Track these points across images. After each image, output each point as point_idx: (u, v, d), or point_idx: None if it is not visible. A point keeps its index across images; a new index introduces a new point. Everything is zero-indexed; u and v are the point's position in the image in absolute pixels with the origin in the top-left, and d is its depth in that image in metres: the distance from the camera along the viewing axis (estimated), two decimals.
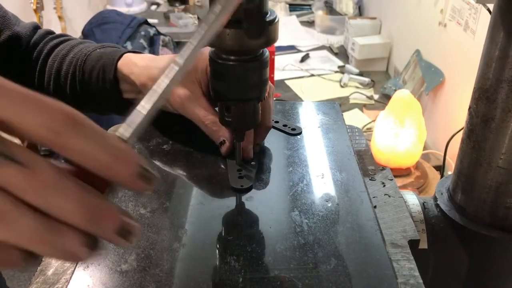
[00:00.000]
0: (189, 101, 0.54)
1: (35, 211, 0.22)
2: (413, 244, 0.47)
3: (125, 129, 0.25)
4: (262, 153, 0.55)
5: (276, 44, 0.50)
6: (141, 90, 0.59)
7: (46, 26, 2.39)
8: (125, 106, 0.64)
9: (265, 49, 0.45)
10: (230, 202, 0.47)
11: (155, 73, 0.56)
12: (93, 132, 0.23)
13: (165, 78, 0.26)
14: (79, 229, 0.23)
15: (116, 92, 0.61)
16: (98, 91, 0.62)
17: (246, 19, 0.40)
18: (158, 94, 0.25)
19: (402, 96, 1.45)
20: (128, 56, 0.61)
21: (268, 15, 0.42)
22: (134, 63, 0.59)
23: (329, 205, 0.46)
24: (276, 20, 0.42)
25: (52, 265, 0.41)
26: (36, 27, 0.69)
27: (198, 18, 2.65)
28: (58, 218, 0.23)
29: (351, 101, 2.00)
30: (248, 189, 0.48)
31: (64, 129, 0.22)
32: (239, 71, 0.43)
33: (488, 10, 0.51)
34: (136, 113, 0.25)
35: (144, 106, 0.25)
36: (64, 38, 0.69)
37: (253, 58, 0.43)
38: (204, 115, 0.53)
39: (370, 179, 0.57)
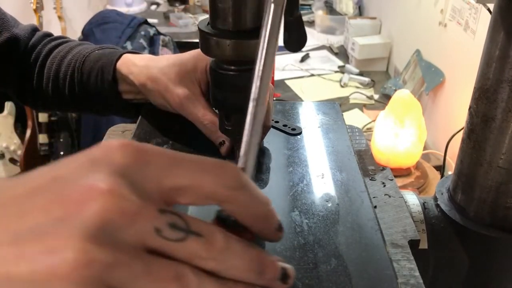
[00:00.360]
0: (188, 100, 0.54)
1: (210, 274, 0.24)
2: (413, 244, 0.47)
3: (241, 165, 0.29)
4: (262, 153, 0.55)
5: None
6: (140, 90, 0.59)
7: (46, 26, 2.39)
8: (124, 108, 0.64)
9: None
10: None
11: (154, 73, 0.56)
12: (253, 188, 0.26)
13: (249, 114, 0.30)
14: (249, 284, 0.25)
15: (115, 93, 0.61)
16: (97, 92, 0.62)
17: (287, 32, 0.40)
18: (248, 131, 0.29)
19: (402, 96, 1.44)
20: (127, 57, 0.61)
21: None
22: (133, 63, 0.59)
23: (329, 205, 0.46)
24: None
25: None
26: (35, 29, 0.69)
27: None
28: (232, 278, 0.24)
29: (351, 101, 2.00)
30: None
31: (237, 185, 0.25)
32: (240, 81, 0.43)
33: (488, 10, 0.51)
34: (240, 157, 0.29)
35: (245, 141, 0.29)
36: (62, 40, 0.69)
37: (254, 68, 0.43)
38: (203, 115, 0.53)
39: (370, 179, 0.57)
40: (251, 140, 0.29)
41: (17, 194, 0.22)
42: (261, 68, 0.30)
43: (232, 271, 0.24)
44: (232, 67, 0.43)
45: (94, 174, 0.22)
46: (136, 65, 0.59)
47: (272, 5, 0.31)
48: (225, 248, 0.24)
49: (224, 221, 0.27)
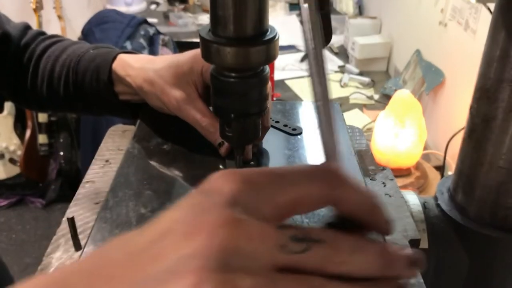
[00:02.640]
0: (185, 103, 0.54)
1: (339, 278, 0.23)
2: (414, 243, 0.47)
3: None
4: (262, 154, 0.55)
5: None
6: (137, 92, 0.58)
7: (45, 25, 2.39)
8: (120, 108, 0.63)
9: (266, 65, 0.45)
10: None
11: (150, 75, 0.56)
12: (358, 183, 0.26)
13: (322, 116, 0.30)
14: (379, 278, 0.24)
15: (111, 93, 0.60)
16: (92, 92, 0.61)
17: None
18: (324, 133, 0.30)
19: (402, 96, 1.44)
20: (122, 58, 0.60)
21: (268, 33, 0.42)
22: (130, 65, 0.58)
23: None
24: (276, 38, 0.42)
25: (53, 264, 0.41)
26: (27, 27, 0.67)
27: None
28: (363, 276, 0.24)
29: (351, 101, 2.00)
30: None
31: (343, 184, 0.25)
32: (241, 88, 0.43)
33: (489, 9, 0.51)
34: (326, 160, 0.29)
35: (324, 143, 0.30)
36: (56, 39, 0.67)
37: (254, 74, 0.43)
38: (201, 117, 0.53)
39: (370, 179, 0.57)
40: (331, 140, 0.29)
41: (147, 241, 0.23)
42: (314, 70, 0.29)
43: (363, 270, 0.24)
44: (233, 74, 0.43)
45: (210, 208, 0.23)
46: (132, 67, 0.58)
47: (306, 5, 0.30)
48: (351, 248, 0.24)
49: (334, 226, 0.27)
